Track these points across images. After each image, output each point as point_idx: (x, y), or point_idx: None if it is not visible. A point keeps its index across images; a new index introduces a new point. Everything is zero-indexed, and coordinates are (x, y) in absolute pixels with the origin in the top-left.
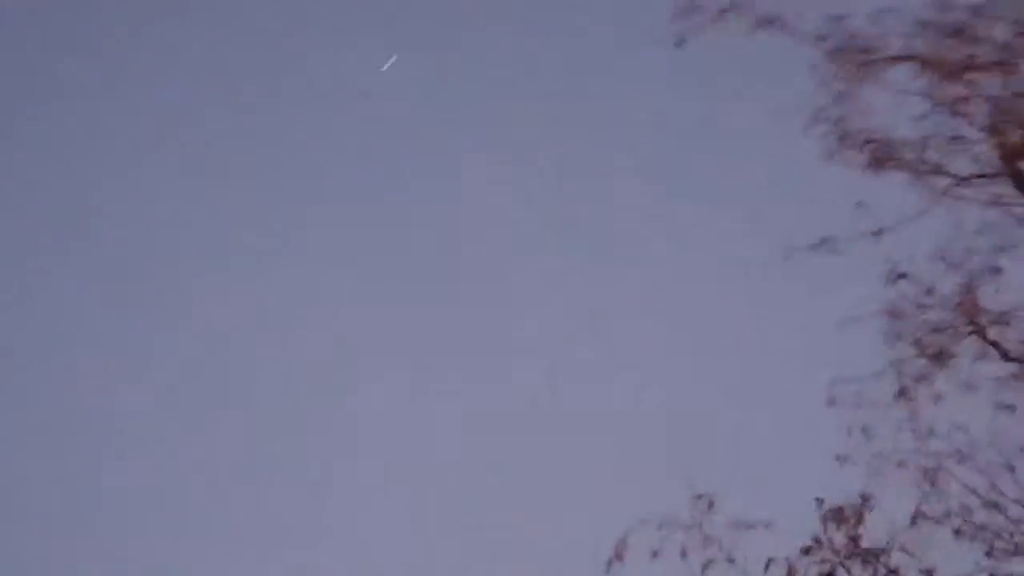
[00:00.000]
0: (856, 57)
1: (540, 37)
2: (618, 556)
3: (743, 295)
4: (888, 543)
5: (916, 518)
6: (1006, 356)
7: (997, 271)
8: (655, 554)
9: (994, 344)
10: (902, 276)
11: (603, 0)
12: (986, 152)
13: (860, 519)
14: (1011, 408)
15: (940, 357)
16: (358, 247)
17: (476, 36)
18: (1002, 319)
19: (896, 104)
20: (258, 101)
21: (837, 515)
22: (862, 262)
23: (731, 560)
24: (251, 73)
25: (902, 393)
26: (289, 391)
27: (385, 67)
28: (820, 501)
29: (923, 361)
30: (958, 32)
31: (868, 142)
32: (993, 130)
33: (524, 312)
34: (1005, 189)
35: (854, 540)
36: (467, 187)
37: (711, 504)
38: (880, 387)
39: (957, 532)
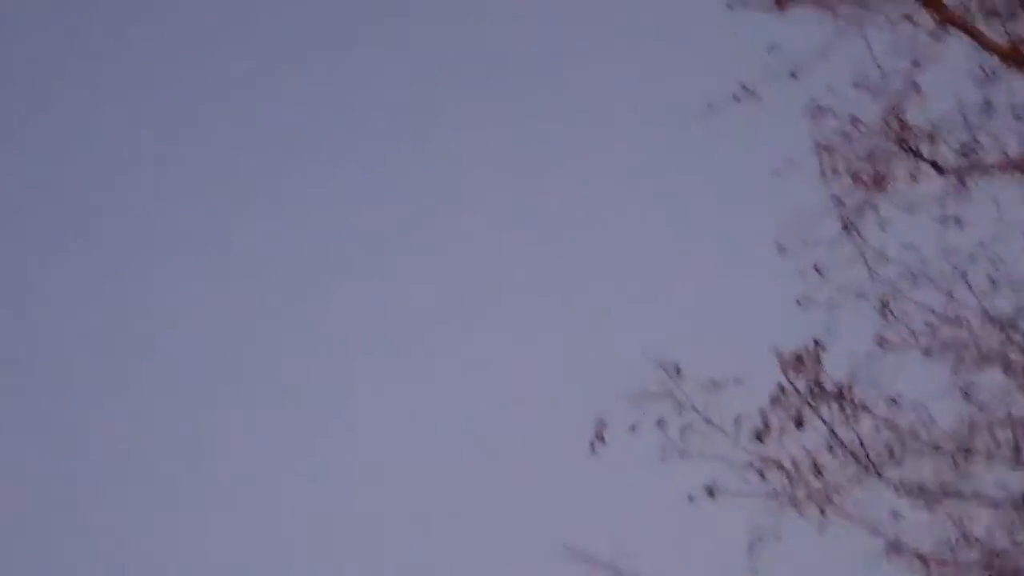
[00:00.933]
0: None
1: None
2: (599, 437)
3: (672, 154)
4: (849, 378)
5: (878, 346)
6: (940, 170)
7: (917, 88)
8: (633, 428)
9: (929, 161)
10: (825, 110)
11: None
12: None
13: (818, 360)
14: (956, 220)
15: (877, 183)
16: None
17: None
18: (931, 135)
19: None
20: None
21: (795, 361)
22: (784, 105)
23: (708, 421)
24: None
25: (847, 226)
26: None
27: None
28: (776, 350)
29: (862, 190)
30: None
31: None
32: None
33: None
34: (911, 6)
35: (817, 382)
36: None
37: (678, 370)
38: (825, 224)
39: (925, 352)
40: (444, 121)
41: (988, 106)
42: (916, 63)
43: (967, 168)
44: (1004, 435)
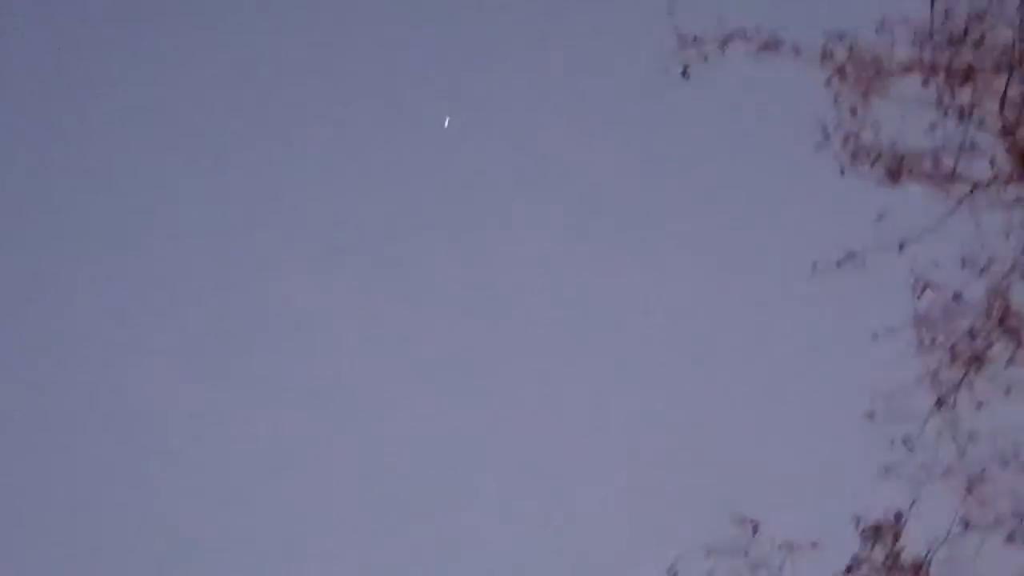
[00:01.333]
0: (863, 71)
1: (548, 75)
2: None
3: (773, 314)
4: (928, 555)
5: (961, 526)
6: None
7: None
8: None
9: None
10: (929, 286)
11: (607, 35)
12: (1001, 155)
13: (897, 534)
14: None
15: (975, 362)
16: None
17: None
18: None
19: (907, 115)
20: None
21: (874, 532)
22: (888, 274)
23: None
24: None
25: (940, 402)
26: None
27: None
28: (857, 520)
29: (959, 367)
30: (962, 39)
31: (882, 155)
32: (1005, 132)
33: (549, 335)
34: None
35: (895, 556)
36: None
37: (756, 528)
38: (918, 397)
39: (1008, 538)
40: None
41: None
42: None
43: None
44: None
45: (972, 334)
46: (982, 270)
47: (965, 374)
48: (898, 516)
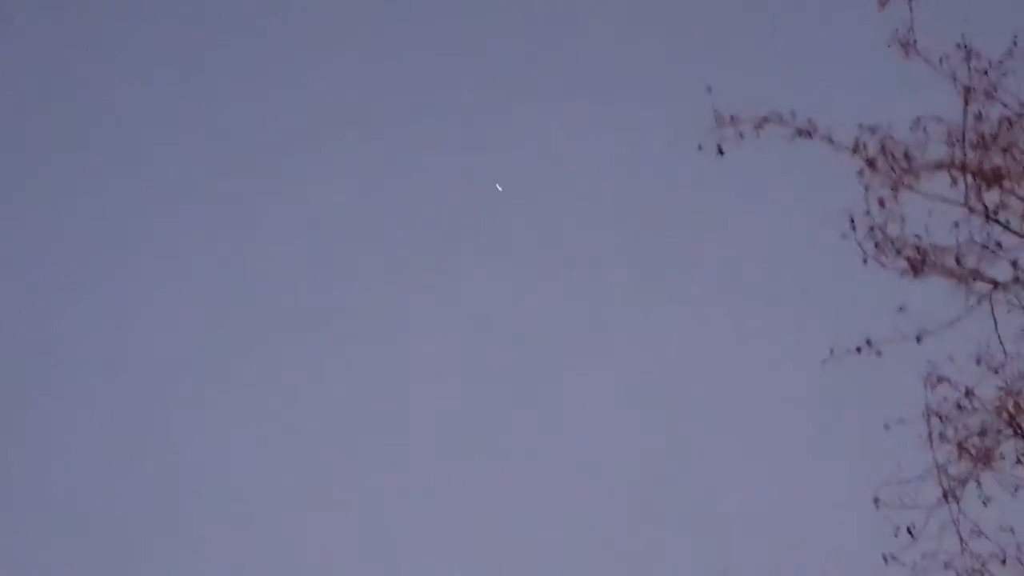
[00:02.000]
0: (894, 165)
1: (585, 142)
2: None
3: (788, 394)
4: None
5: None
6: None
7: None
8: None
9: None
10: (943, 380)
11: (646, 107)
12: (1023, 258)
13: None
14: None
15: (984, 459)
16: None
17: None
18: None
19: (934, 210)
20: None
21: None
22: (904, 365)
23: None
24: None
25: (946, 495)
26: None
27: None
28: None
29: (967, 463)
30: (993, 142)
31: (906, 247)
32: None
33: (570, 404)
34: None
35: None
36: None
37: None
38: (925, 488)
39: None
40: None
41: None
42: None
43: None
44: None
45: (982, 431)
46: (996, 369)
47: (973, 470)
48: None
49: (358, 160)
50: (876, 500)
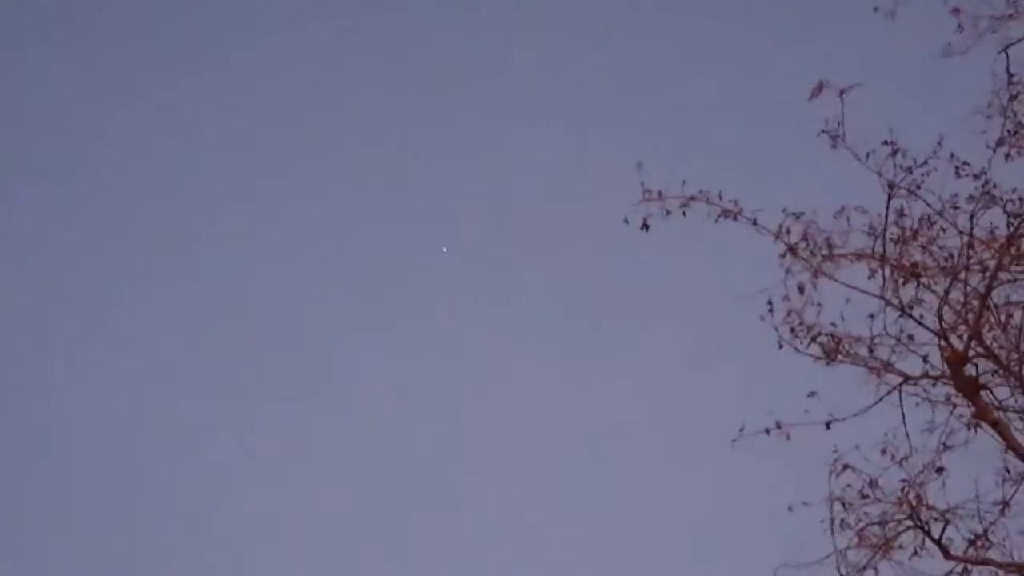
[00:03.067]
0: (816, 251)
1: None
2: None
3: (694, 472)
4: None
5: None
6: (947, 554)
7: (940, 470)
8: None
9: (936, 541)
10: (847, 467)
11: (574, 179)
12: (935, 354)
13: None
14: None
15: (883, 548)
16: None
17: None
18: (944, 517)
19: (851, 300)
20: None
21: None
22: (810, 450)
23: None
24: None
25: None
26: None
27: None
28: None
29: (866, 551)
30: (913, 238)
31: (821, 335)
32: (942, 334)
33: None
34: (952, 391)
35: None
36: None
37: None
38: (824, 573)
39: None
40: None
41: (1006, 506)
42: (945, 446)
43: (974, 559)
44: None
45: (883, 521)
46: (901, 461)
47: (872, 558)
48: None
49: None
50: None
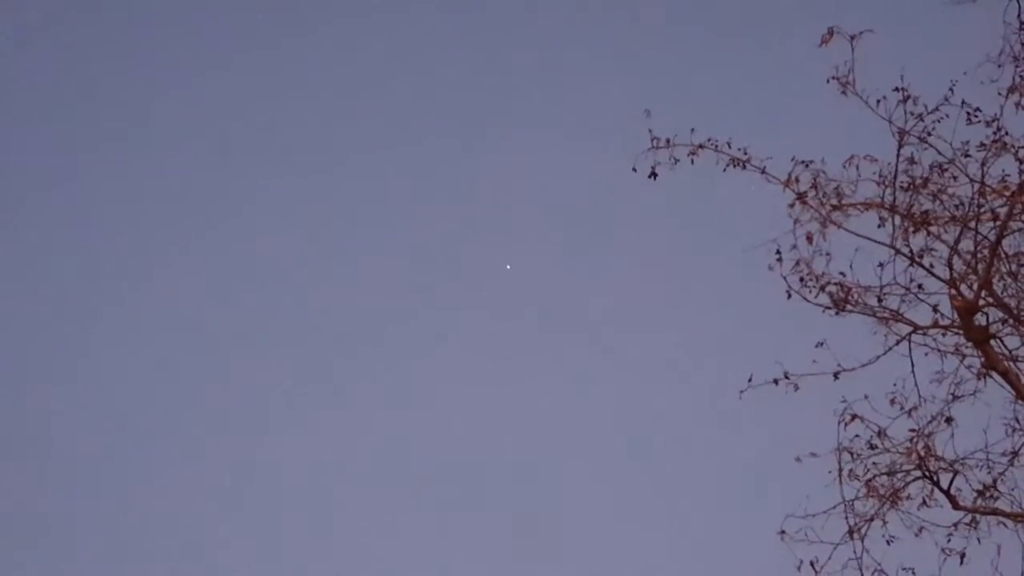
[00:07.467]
0: (825, 200)
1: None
2: None
3: (705, 422)
4: None
5: None
6: (955, 504)
7: (950, 420)
8: None
9: (944, 491)
10: (855, 417)
11: (583, 126)
12: (944, 304)
13: None
14: (960, 555)
15: (891, 498)
16: None
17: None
18: (952, 467)
19: (860, 250)
20: None
21: None
22: (819, 400)
23: None
24: None
25: (851, 531)
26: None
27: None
28: None
29: (874, 501)
30: (923, 186)
31: (830, 284)
32: (952, 284)
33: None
34: (961, 340)
35: None
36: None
37: None
38: (831, 524)
39: None
40: None
41: (1015, 456)
42: (954, 396)
43: (982, 510)
44: None
45: (891, 471)
46: (910, 411)
47: (879, 509)
48: None
49: None
50: (782, 532)
